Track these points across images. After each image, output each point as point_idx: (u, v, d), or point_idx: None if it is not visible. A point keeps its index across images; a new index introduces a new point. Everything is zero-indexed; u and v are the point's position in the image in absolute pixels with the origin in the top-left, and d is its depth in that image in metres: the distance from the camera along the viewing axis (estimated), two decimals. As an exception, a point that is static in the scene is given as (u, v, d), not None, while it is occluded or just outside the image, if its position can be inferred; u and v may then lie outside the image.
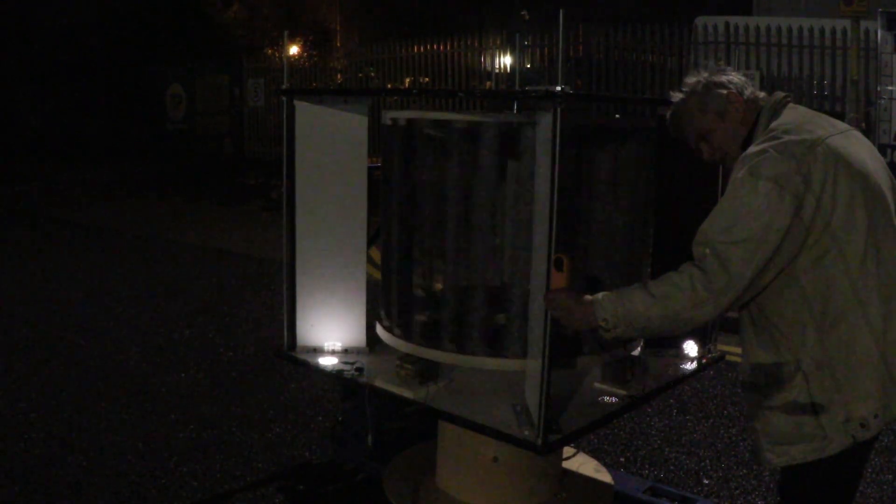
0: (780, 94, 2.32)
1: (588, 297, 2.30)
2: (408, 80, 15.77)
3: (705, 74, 2.35)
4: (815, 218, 2.07)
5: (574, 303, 2.32)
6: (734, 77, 2.33)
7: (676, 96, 2.39)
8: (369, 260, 3.33)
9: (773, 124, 2.22)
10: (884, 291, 2.13)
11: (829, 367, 2.13)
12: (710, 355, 3.31)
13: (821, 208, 2.07)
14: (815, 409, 2.14)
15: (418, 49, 15.36)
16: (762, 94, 2.34)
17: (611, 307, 2.22)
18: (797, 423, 2.16)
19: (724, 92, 2.30)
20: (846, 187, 2.10)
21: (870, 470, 3.94)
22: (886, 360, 2.12)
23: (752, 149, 2.18)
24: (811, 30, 10.94)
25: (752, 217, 2.06)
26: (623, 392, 2.94)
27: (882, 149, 8.57)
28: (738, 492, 3.83)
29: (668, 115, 2.45)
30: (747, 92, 2.31)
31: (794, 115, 2.26)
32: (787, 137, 2.13)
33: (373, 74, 16.44)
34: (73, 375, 5.33)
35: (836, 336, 2.12)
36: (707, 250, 2.11)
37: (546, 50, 13.52)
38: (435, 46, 15.05)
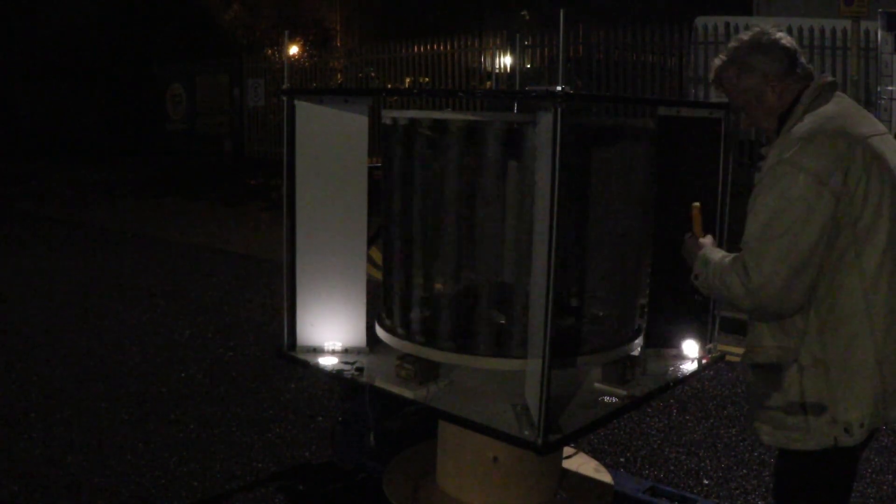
0: (828, 78, 2.26)
1: (702, 248, 2.40)
2: (408, 80, 15.78)
3: (746, 40, 2.27)
4: (846, 215, 2.07)
5: (695, 249, 2.44)
6: (777, 47, 2.24)
7: (718, 61, 2.33)
8: (369, 260, 3.34)
9: (819, 110, 2.18)
10: (892, 304, 2.12)
11: (825, 365, 2.13)
12: (710, 355, 3.31)
13: (853, 207, 2.07)
14: (803, 404, 2.16)
15: (418, 49, 15.37)
16: (809, 69, 2.27)
17: (700, 265, 2.33)
18: (785, 412, 2.19)
19: (751, 81, 2.26)
20: (876, 191, 2.09)
21: (869, 470, 3.94)
22: (882, 372, 2.12)
23: (796, 131, 2.14)
24: (811, 30, 10.95)
25: (789, 211, 2.06)
26: (623, 392, 2.94)
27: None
28: (738, 492, 3.83)
29: (711, 78, 2.41)
30: (785, 68, 2.23)
31: (841, 105, 2.21)
32: (832, 128, 2.11)
33: (373, 74, 16.45)
34: (73, 375, 5.33)
35: (838, 337, 2.12)
36: (747, 247, 2.14)
37: (546, 50, 13.52)
38: (435, 46, 15.05)
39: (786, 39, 2.26)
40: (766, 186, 2.12)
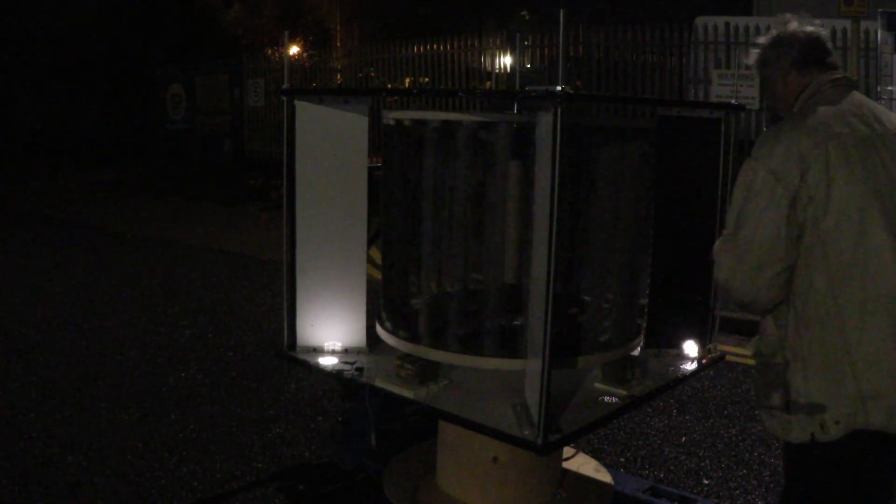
0: (834, 76, 2.27)
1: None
2: (408, 80, 15.76)
3: (773, 33, 2.33)
4: (807, 212, 2.09)
5: None
6: (791, 41, 2.28)
7: (752, 54, 2.41)
8: (369, 260, 3.34)
9: (819, 109, 2.19)
10: (867, 305, 2.11)
11: (803, 360, 2.16)
12: (710, 355, 3.31)
13: (814, 207, 2.08)
14: (786, 397, 2.18)
15: (418, 49, 15.36)
16: (828, 64, 2.28)
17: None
18: (774, 402, 2.22)
19: (768, 72, 2.33)
20: (845, 191, 2.08)
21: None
22: (856, 372, 2.11)
23: (772, 127, 2.21)
24: (811, 30, 10.92)
25: (749, 205, 2.13)
26: (623, 392, 2.94)
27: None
28: (737, 492, 3.83)
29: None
30: (791, 62, 2.28)
31: (839, 104, 2.21)
32: (804, 126, 2.15)
33: (373, 74, 16.43)
34: (73, 375, 5.33)
35: (811, 335, 2.14)
36: (720, 241, 2.21)
37: (546, 50, 13.52)
38: (435, 46, 15.04)
39: (805, 33, 2.29)
40: (737, 181, 2.21)
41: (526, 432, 2.59)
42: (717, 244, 2.24)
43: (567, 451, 3.47)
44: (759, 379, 2.31)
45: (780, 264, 2.11)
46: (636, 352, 3.16)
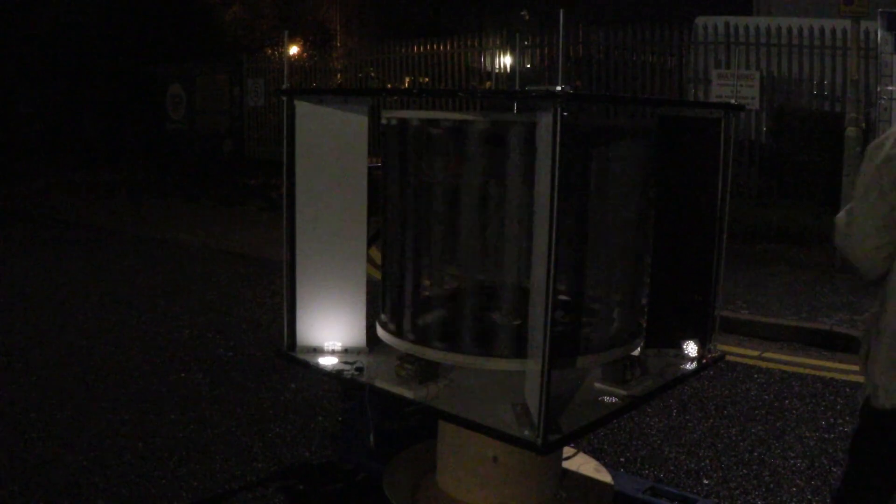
0: None
1: None
2: (408, 80, 15.77)
3: None
4: None
5: None
6: None
7: None
8: (369, 260, 3.34)
9: None
10: None
11: (878, 332, 2.37)
12: (710, 355, 3.31)
13: None
14: (866, 357, 2.41)
15: (418, 49, 15.36)
16: None
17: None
18: (860, 356, 2.46)
19: None
20: None
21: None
22: None
23: None
24: (811, 30, 10.94)
25: (864, 179, 2.34)
26: (623, 392, 2.94)
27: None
28: (738, 492, 3.83)
29: None
30: None
31: None
32: None
33: (373, 74, 16.43)
34: (73, 375, 5.33)
35: (890, 311, 2.32)
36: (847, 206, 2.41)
37: (546, 50, 13.52)
38: (435, 46, 15.05)
39: None
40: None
41: (526, 432, 2.59)
42: (841, 212, 2.44)
43: (567, 451, 3.47)
44: (862, 340, 2.52)
45: (879, 239, 2.31)
46: (636, 352, 3.16)
